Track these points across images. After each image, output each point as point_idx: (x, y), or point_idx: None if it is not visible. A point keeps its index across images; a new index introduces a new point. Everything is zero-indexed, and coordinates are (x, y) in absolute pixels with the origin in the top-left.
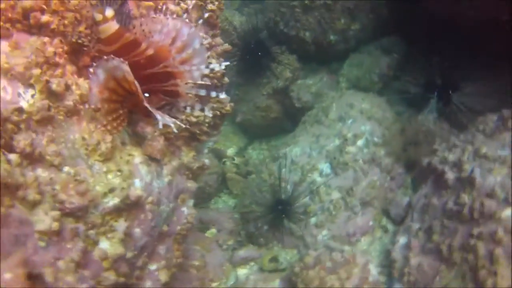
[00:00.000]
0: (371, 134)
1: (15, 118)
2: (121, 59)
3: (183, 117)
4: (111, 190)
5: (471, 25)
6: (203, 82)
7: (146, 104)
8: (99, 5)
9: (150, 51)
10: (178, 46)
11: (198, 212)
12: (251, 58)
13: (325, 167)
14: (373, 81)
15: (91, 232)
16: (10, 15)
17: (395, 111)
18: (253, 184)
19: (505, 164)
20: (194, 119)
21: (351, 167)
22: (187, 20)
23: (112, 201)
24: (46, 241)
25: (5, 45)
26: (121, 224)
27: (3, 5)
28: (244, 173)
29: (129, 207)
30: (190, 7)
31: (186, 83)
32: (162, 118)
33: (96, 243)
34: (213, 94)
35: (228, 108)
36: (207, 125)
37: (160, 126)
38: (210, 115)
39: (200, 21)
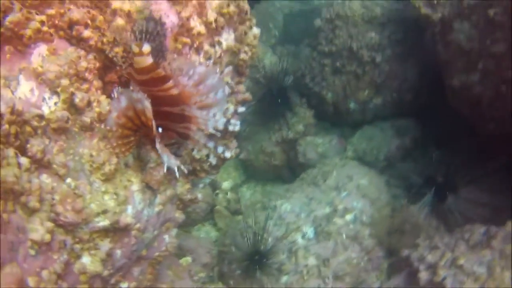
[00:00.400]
0: (361, 212)
1: (35, 123)
2: (145, 95)
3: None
4: (104, 212)
5: (490, 131)
6: (213, 132)
7: (157, 144)
8: (139, 38)
9: (174, 91)
10: (201, 93)
11: (178, 239)
12: (270, 101)
13: (309, 231)
14: (379, 159)
15: (77, 246)
16: (56, 22)
17: (391, 194)
18: (238, 226)
19: (478, 281)
20: (197, 156)
21: (334, 238)
22: (217, 70)
23: (103, 222)
24: (36, 250)
25: (44, 48)
26: (105, 244)
27: (53, 11)
28: (233, 210)
29: (116, 230)
30: (223, 53)
31: (198, 129)
32: (168, 161)
33: (79, 257)
34: (220, 150)
35: (233, 154)
36: (208, 163)
37: (165, 170)
38: (214, 163)
39: (230, 68)
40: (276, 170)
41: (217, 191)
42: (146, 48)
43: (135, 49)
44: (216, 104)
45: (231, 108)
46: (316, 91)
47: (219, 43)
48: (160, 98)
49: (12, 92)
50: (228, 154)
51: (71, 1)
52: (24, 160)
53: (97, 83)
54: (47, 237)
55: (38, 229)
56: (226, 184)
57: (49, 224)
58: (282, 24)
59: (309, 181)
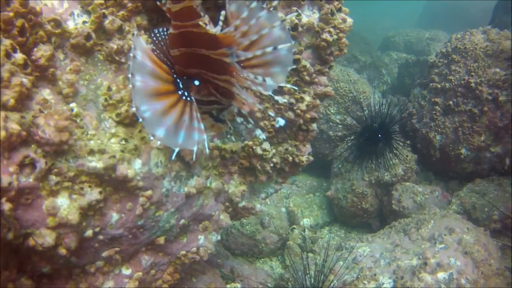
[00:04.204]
0: (460, 273)
1: (49, 28)
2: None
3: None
4: (101, 152)
5: None
6: (270, 94)
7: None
8: None
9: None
10: (257, 43)
11: (231, 260)
12: (369, 138)
13: (387, 282)
14: (491, 219)
15: (53, 178)
16: None
17: (506, 266)
18: (304, 263)
19: None
20: (259, 151)
21: None
22: (282, 20)
23: (95, 163)
24: None
25: None
26: (92, 193)
27: None
28: (307, 249)
29: (115, 183)
30: (300, 27)
31: (243, 87)
32: (184, 141)
33: (52, 194)
34: (280, 122)
35: (303, 159)
36: (272, 165)
37: (173, 156)
38: (263, 137)
39: (308, 50)
40: (363, 214)
41: (294, 226)
42: None
43: None
44: (277, 62)
45: (308, 99)
46: (423, 132)
47: (298, 14)
48: (194, 36)
49: None
50: (262, 136)
51: None
52: (18, 56)
53: (140, 19)
54: (2, 134)
55: None
56: (305, 221)
57: (15, 127)
58: (397, 75)
59: (399, 228)
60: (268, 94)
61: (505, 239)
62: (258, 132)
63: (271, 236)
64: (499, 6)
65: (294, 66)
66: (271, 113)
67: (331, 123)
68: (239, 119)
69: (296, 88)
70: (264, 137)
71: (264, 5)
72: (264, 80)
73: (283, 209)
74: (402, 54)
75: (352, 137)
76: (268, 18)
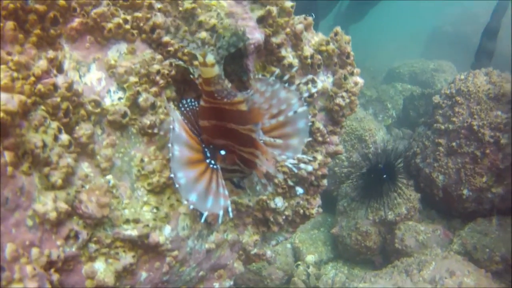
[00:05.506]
0: None
1: (90, 108)
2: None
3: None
4: (136, 221)
5: None
6: (290, 166)
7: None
8: (202, 47)
9: (243, 107)
10: (280, 121)
11: None
12: (374, 177)
13: None
14: (493, 260)
15: (92, 246)
16: (141, 24)
17: None
18: None
19: None
20: (272, 205)
21: None
22: (301, 97)
23: (131, 231)
24: (35, 223)
25: (124, 46)
26: (126, 258)
27: (140, 14)
28: (311, 286)
29: (147, 248)
30: (316, 94)
31: (267, 160)
32: (212, 206)
33: (92, 259)
34: (300, 191)
35: (313, 212)
36: (284, 217)
37: (202, 219)
38: (281, 205)
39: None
40: (367, 252)
41: (299, 263)
42: (210, 59)
43: (200, 58)
44: (295, 134)
45: (320, 158)
46: (426, 172)
47: (314, 81)
48: (225, 112)
49: (80, 77)
50: (309, 210)
51: (159, 9)
52: (64, 137)
53: (170, 93)
54: (53, 215)
55: (47, 203)
56: (310, 258)
57: (63, 206)
58: (402, 108)
59: (401, 269)
60: (288, 165)
61: (507, 280)
62: (277, 200)
63: (276, 272)
64: (484, 33)
65: (310, 139)
66: (291, 182)
67: (336, 160)
68: (258, 187)
69: (311, 159)
70: (281, 205)
71: (286, 85)
72: (285, 155)
73: (289, 245)
74: (407, 86)
75: (357, 179)
76: (287, 94)
